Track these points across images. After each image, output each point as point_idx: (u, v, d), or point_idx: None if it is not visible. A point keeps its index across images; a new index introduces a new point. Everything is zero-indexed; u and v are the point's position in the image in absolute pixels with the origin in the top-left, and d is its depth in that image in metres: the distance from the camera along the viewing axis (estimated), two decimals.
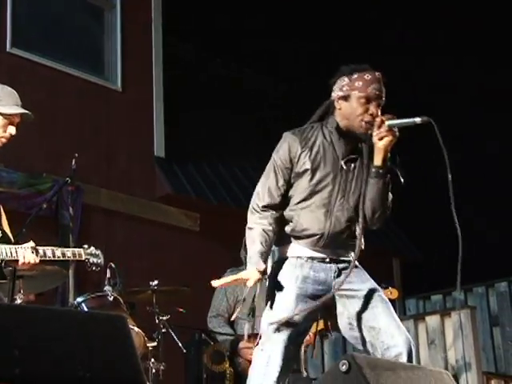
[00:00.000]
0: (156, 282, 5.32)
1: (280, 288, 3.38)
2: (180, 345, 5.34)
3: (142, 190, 7.91)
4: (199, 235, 8.02)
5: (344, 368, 2.78)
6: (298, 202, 3.42)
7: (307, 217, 3.39)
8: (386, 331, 3.30)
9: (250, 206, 3.49)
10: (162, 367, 5.16)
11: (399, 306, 9.89)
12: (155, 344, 5.15)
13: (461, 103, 11.19)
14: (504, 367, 8.37)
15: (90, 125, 7.67)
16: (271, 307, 3.37)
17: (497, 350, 8.51)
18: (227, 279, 3.44)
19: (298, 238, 3.42)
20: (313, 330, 5.27)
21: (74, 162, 4.89)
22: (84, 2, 8.17)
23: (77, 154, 4.92)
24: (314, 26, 10.87)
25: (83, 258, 4.25)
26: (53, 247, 4.11)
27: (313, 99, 3.69)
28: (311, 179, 3.39)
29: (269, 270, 3.45)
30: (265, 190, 3.46)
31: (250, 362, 5.12)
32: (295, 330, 3.33)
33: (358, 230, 3.37)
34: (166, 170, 8.17)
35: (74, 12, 8.09)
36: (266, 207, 3.43)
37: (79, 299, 4.82)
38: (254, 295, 4.40)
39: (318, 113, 3.55)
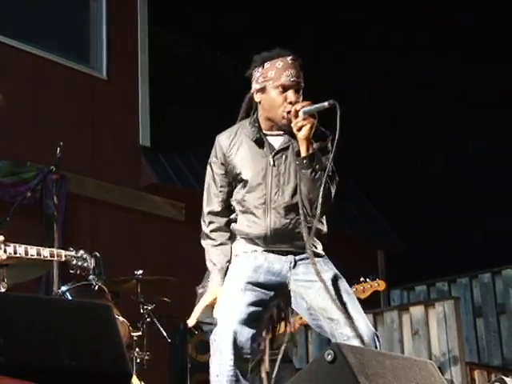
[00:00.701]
0: (141, 272, 5.31)
1: (231, 278, 3.37)
2: (165, 334, 5.34)
3: (128, 180, 7.88)
4: (184, 225, 8.01)
5: (329, 358, 2.78)
6: (238, 207, 3.41)
7: (246, 221, 3.37)
8: (345, 322, 3.26)
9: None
10: (146, 357, 5.16)
11: (383, 297, 9.93)
12: (140, 333, 5.15)
13: (444, 103, 11.25)
14: (487, 358, 8.42)
15: (75, 113, 7.63)
16: (223, 297, 3.35)
17: (480, 340, 8.56)
18: (198, 310, 3.43)
19: (248, 239, 3.40)
20: (298, 320, 5.28)
21: (58, 151, 4.86)
22: None
23: (62, 143, 4.89)
24: (300, 26, 10.88)
25: (63, 259, 4.17)
26: (27, 245, 4.02)
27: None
28: (242, 181, 3.37)
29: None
30: (206, 199, 3.49)
31: None
32: (245, 317, 3.26)
33: (302, 223, 3.28)
34: (152, 160, 8.15)
35: (61, 0, 8.04)
36: (210, 214, 3.47)
37: (63, 288, 4.79)
38: None
39: (243, 108, 3.50)
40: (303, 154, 3.27)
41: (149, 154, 8.14)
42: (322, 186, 3.23)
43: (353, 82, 10.75)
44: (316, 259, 3.33)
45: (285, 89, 3.29)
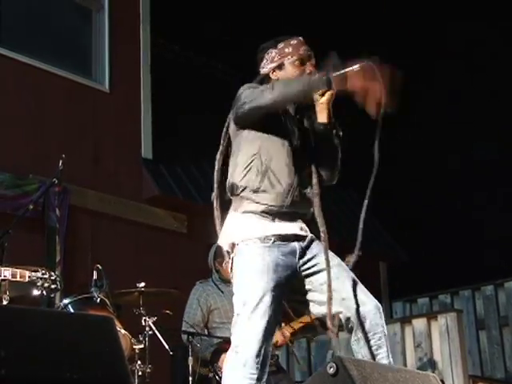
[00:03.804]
0: (143, 284, 5.30)
1: (251, 281, 3.23)
2: (167, 347, 5.32)
3: (130, 192, 7.88)
4: (186, 237, 8.00)
5: (331, 371, 2.78)
6: (258, 168, 3.30)
7: (278, 163, 3.29)
8: (354, 298, 3.26)
9: None
10: (148, 369, 5.14)
11: (386, 310, 9.91)
12: (142, 346, 5.13)
13: (448, 113, 11.24)
14: (490, 370, 8.40)
15: (77, 126, 7.64)
16: (244, 304, 3.23)
17: (483, 353, 8.53)
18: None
19: (264, 192, 3.27)
20: (289, 330, 5.25)
21: (60, 163, 4.87)
22: (72, 3, 8.15)
23: (64, 155, 4.90)
24: (302, 29, 10.88)
25: (26, 280, 4.07)
26: None
27: None
28: (264, 140, 3.34)
29: (231, 239, 3.36)
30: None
31: None
32: (270, 326, 3.21)
33: (315, 190, 3.32)
34: (154, 172, 8.15)
35: (62, 12, 8.06)
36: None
37: (66, 301, 4.79)
38: None
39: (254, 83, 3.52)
40: (323, 120, 3.32)
41: (151, 166, 8.15)
42: (339, 154, 3.35)
43: None
44: (314, 243, 3.37)
45: (302, 62, 3.41)
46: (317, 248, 3.37)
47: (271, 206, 3.28)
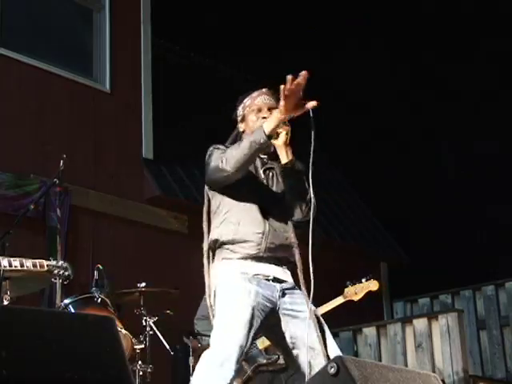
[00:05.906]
0: (143, 284, 5.31)
1: (234, 300, 3.33)
2: (167, 347, 5.32)
3: (130, 192, 7.88)
4: (187, 237, 8.00)
5: (332, 371, 2.77)
6: (231, 218, 3.45)
7: (247, 217, 3.40)
8: (323, 353, 3.29)
9: None
10: (149, 370, 5.15)
11: (387, 310, 9.91)
12: (142, 346, 5.14)
13: (449, 112, 11.24)
14: (491, 370, 8.39)
15: (78, 126, 7.64)
16: (224, 323, 3.32)
17: (484, 353, 8.53)
18: None
19: (239, 242, 3.40)
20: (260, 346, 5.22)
21: (61, 163, 4.88)
22: (73, 3, 8.15)
23: (65, 155, 4.91)
24: (306, 32, 10.89)
25: (45, 269, 4.20)
26: (10, 258, 4.07)
27: None
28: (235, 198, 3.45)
29: (214, 286, 3.44)
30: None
31: None
32: (247, 342, 3.29)
33: (293, 238, 3.42)
34: (154, 172, 8.15)
35: (63, 13, 8.06)
36: None
37: (66, 301, 4.79)
38: None
39: (229, 141, 3.67)
40: (284, 160, 3.44)
41: (152, 167, 8.15)
42: (306, 189, 3.40)
43: (351, 83, 10.77)
44: (297, 291, 3.43)
45: (259, 109, 3.54)
46: (300, 297, 3.42)
47: (247, 253, 3.40)
